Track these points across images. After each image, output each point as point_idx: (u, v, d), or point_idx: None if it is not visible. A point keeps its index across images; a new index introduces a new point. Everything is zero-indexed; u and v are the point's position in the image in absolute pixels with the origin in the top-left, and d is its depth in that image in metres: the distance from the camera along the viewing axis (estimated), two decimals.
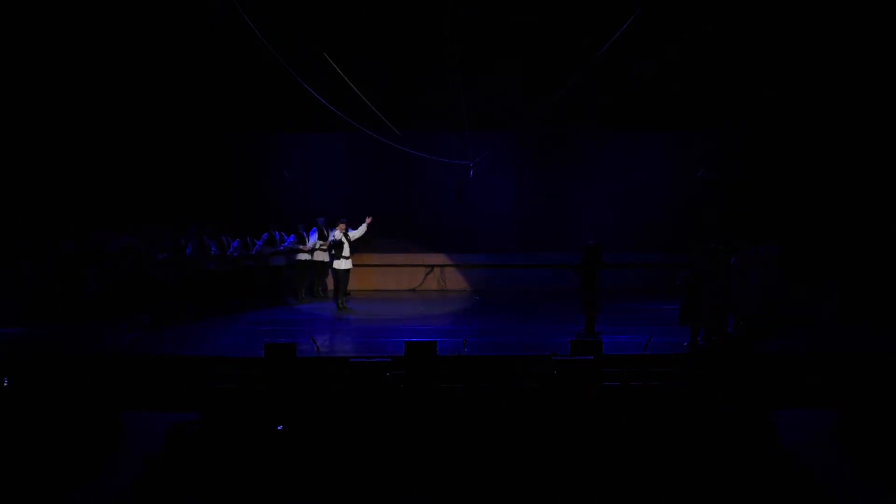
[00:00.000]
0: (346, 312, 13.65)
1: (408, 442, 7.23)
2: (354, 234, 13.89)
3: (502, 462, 6.88)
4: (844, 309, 12.92)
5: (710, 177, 15.77)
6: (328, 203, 16.00)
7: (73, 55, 14.04)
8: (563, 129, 15.91)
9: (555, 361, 8.91)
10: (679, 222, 15.85)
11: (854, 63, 13.96)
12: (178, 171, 15.78)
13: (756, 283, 12.35)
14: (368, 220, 13.97)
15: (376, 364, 8.78)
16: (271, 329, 12.31)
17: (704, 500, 6.53)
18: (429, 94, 15.03)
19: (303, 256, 14.58)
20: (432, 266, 16.26)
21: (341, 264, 13.72)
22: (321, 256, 14.63)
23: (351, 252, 13.90)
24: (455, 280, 16.35)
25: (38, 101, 14.13)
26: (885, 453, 7.81)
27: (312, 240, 14.50)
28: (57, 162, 14.64)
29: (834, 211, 14.76)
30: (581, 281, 11.75)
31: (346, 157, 16.91)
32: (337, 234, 13.72)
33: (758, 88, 15.16)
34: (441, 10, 11.47)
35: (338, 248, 13.67)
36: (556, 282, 15.12)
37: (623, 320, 12.58)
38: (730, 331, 11.70)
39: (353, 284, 15.61)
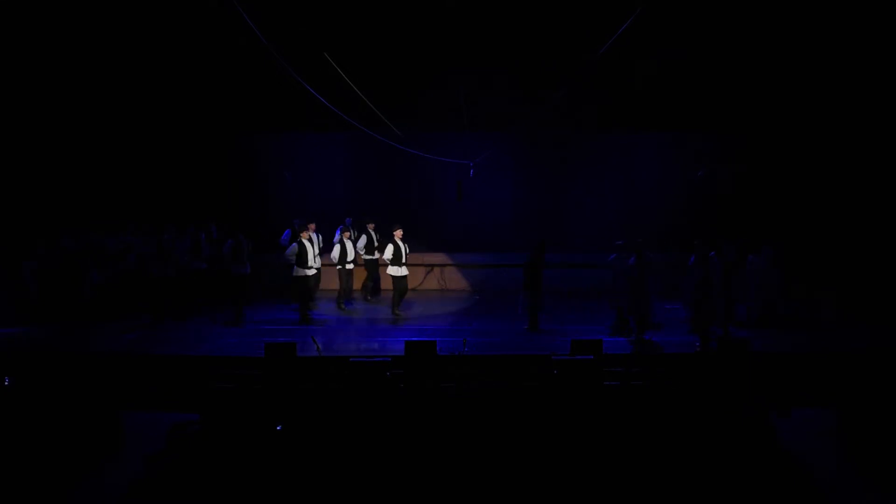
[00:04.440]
0: (346, 313, 13.68)
1: (408, 441, 7.23)
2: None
3: (503, 461, 6.88)
4: (844, 309, 12.92)
5: (709, 177, 15.78)
6: (328, 203, 16.01)
7: (75, 56, 14.05)
8: (563, 129, 15.91)
9: (555, 361, 8.92)
10: (679, 222, 15.85)
11: (853, 65, 13.96)
12: (180, 171, 15.79)
13: (757, 283, 12.39)
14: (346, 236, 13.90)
15: (376, 364, 8.78)
16: (271, 329, 12.31)
17: (704, 499, 6.54)
18: (429, 94, 15.05)
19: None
20: (432, 266, 16.25)
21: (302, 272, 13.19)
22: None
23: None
24: (455, 280, 16.33)
25: (40, 102, 14.13)
26: (884, 453, 7.81)
27: (360, 244, 14.31)
28: (58, 163, 14.64)
29: (833, 211, 14.76)
30: (526, 279, 11.80)
31: (346, 157, 16.91)
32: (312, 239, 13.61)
33: (757, 89, 15.17)
34: (442, 11, 11.47)
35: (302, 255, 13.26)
36: (555, 281, 15.09)
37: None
38: (730, 330, 11.73)
39: (353, 284, 15.61)
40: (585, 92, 13.87)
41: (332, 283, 14.48)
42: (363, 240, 14.35)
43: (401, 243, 13.10)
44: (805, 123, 15.09)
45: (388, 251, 13.06)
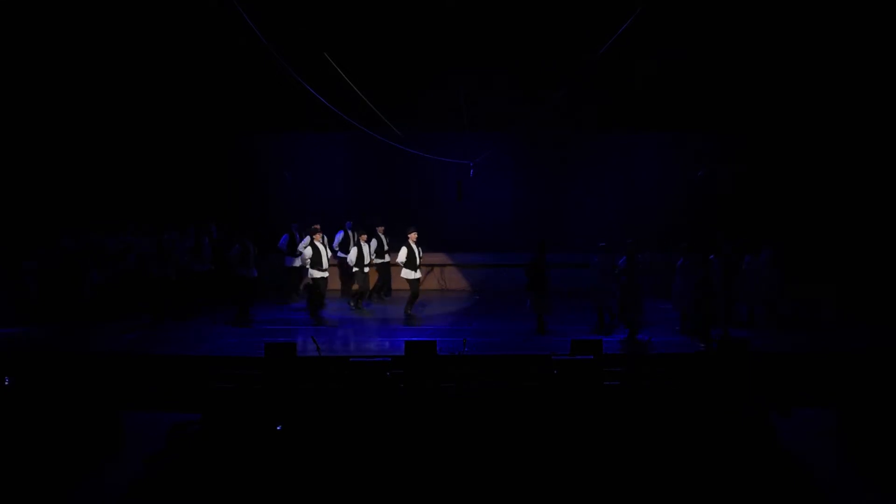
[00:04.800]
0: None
1: (408, 441, 7.23)
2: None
3: (503, 461, 6.88)
4: (844, 309, 12.92)
5: (709, 177, 15.78)
6: (328, 203, 16.00)
7: (75, 56, 14.04)
8: (563, 129, 15.91)
9: (555, 361, 8.92)
10: (679, 222, 15.86)
11: (852, 65, 13.96)
12: (180, 171, 15.79)
13: (757, 284, 12.40)
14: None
15: (376, 363, 8.78)
16: (271, 329, 12.31)
17: (704, 499, 6.53)
18: (429, 94, 15.05)
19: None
20: (432, 266, 16.25)
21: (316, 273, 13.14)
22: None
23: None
24: (455, 280, 16.34)
25: (40, 103, 14.12)
26: (884, 453, 7.81)
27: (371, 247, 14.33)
28: (58, 163, 14.63)
29: (833, 211, 14.76)
30: (530, 280, 11.82)
31: (346, 157, 16.91)
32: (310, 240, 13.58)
33: (757, 89, 15.17)
34: (442, 11, 11.47)
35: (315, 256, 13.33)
36: (555, 281, 15.08)
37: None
38: (730, 330, 11.73)
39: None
40: (585, 92, 13.87)
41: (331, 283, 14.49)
42: (374, 243, 14.36)
43: (415, 246, 13.04)
44: (805, 123, 15.09)
45: (402, 254, 12.97)
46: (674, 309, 12.31)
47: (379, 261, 14.55)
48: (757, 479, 6.74)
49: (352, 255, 13.65)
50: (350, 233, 14.58)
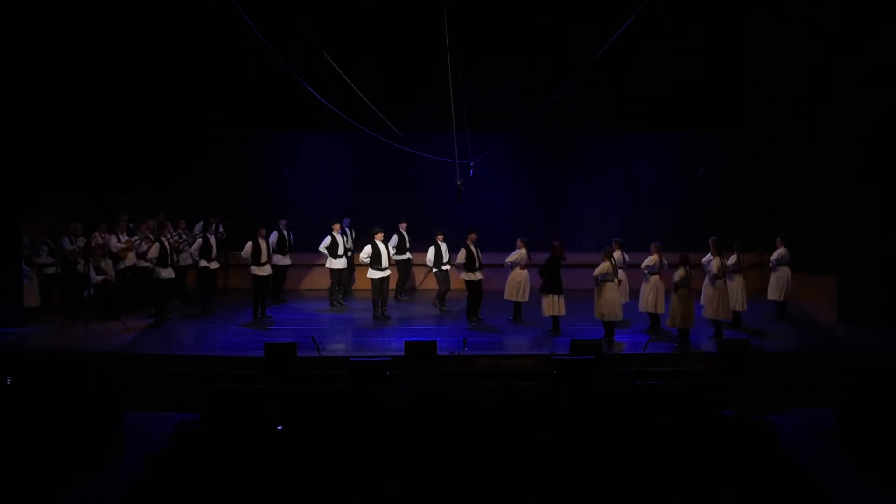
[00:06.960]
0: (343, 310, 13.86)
1: (408, 441, 7.23)
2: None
3: (503, 461, 6.88)
4: (844, 309, 12.92)
5: (709, 177, 15.77)
6: (328, 203, 15.96)
7: (75, 55, 14.03)
8: (564, 129, 15.89)
9: (555, 361, 8.96)
10: (679, 222, 15.84)
11: (851, 64, 13.95)
12: (180, 171, 15.76)
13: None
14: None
15: (377, 363, 8.81)
16: (271, 329, 12.31)
17: (705, 499, 6.54)
18: (429, 93, 15.01)
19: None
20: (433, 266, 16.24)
21: (336, 263, 13.79)
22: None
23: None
24: (455, 280, 16.32)
25: (39, 101, 14.10)
26: (883, 453, 7.82)
27: (391, 243, 14.27)
28: (58, 162, 14.62)
29: (833, 210, 14.74)
30: (545, 282, 11.82)
31: (345, 157, 16.86)
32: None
33: (756, 89, 15.18)
34: (441, 10, 11.46)
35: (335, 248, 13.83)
36: None
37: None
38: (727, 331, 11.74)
39: (353, 284, 15.63)
40: (585, 92, 13.86)
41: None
42: (394, 239, 14.29)
43: (473, 248, 12.97)
44: (805, 122, 15.07)
45: (461, 255, 12.96)
46: (641, 309, 12.30)
47: (400, 257, 14.45)
48: (757, 478, 6.75)
49: (430, 255, 13.57)
50: (348, 230, 14.56)
